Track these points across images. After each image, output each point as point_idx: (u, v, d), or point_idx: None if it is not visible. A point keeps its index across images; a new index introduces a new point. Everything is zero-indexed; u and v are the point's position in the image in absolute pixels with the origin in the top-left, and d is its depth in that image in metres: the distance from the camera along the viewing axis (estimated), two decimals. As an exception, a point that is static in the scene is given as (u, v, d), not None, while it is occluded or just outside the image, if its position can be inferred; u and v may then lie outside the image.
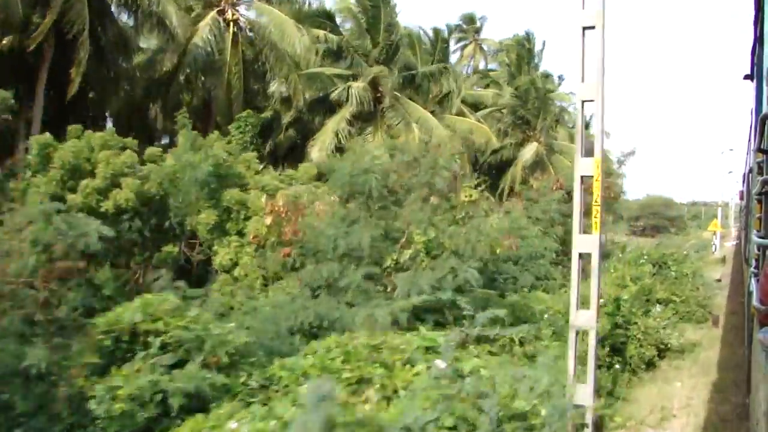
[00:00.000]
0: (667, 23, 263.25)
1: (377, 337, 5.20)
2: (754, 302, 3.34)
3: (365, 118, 26.37)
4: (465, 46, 55.83)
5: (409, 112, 26.83)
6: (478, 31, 56.41)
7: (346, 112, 25.74)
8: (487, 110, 39.53)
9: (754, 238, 4.37)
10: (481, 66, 53.82)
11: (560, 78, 50.44)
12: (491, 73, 47.63)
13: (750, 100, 8.58)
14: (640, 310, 11.92)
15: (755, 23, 6.99)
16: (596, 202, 6.87)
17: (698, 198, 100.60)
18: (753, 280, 4.94)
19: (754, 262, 5.56)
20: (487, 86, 44.57)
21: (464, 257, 8.84)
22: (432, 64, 31.33)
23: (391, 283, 9.15)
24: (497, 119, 38.64)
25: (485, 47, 55.68)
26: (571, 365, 6.70)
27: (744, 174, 15.30)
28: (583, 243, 6.96)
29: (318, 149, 24.37)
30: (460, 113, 33.95)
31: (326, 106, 26.48)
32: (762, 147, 4.70)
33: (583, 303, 7.08)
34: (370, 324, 7.68)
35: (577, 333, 6.89)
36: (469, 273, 8.61)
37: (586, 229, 7.05)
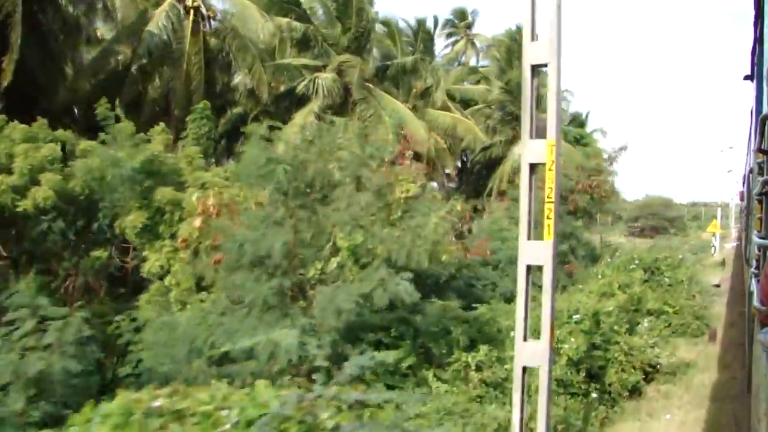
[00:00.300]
0: (667, 23, 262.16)
1: (183, 398, 3.40)
2: (755, 303, 3.28)
3: (336, 112, 24.35)
4: (456, 41, 54.03)
5: (383, 105, 25.19)
6: (469, 26, 54.56)
7: (314, 105, 24.17)
8: (477, 107, 37.90)
9: (755, 239, 4.26)
10: (473, 62, 52.13)
11: None
12: (481, 69, 45.95)
13: (750, 101, 8.54)
14: (625, 326, 10.72)
15: (755, 24, 6.89)
16: (549, 198, 5.11)
17: (698, 198, 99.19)
18: (753, 281, 4.92)
19: (754, 263, 5.50)
20: (478, 82, 43.06)
21: (398, 265, 7.19)
22: (413, 55, 29.90)
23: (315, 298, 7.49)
24: (486, 116, 37.03)
25: (477, 43, 54.03)
26: (516, 417, 4.99)
27: (744, 175, 14.88)
28: (532, 252, 5.25)
29: (284, 145, 22.40)
30: (445, 108, 32.61)
31: (293, 100, 24.90)
32: (762, 147, 4.58)
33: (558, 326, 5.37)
34: (274, 354, 6.01)
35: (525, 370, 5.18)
36: (401, 286, 6.94)
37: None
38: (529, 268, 5.27)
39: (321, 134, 9.06)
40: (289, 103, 25.19)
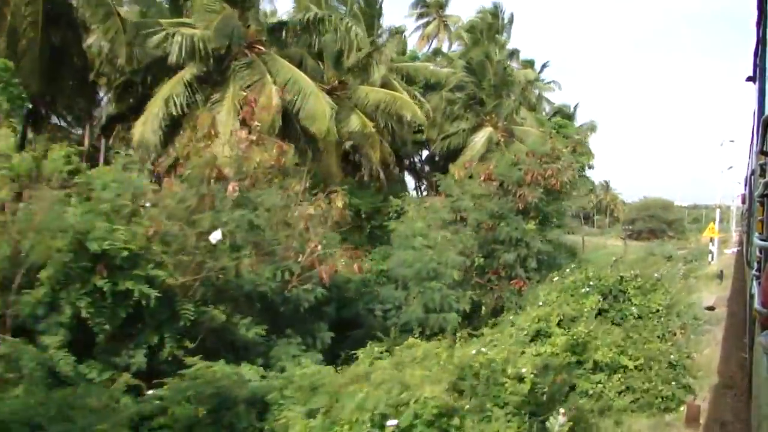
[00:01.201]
0: (668, 23, 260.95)
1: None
2: (756, 305, 3.29)
3: (215, 81, 20.63)
4: (428, 23, 49.86)
5: (274, 72, 20.86)
6: (442, 6, 50.39)
7: (187, 73, 19.76)
8: (438, 92, 33.80)
9: (756, 241, 4.13)
10: (445, 47, 47.34)
11: (544, 65, 46.51)
12: (451, 54, 41.57)
13: (753, 102, 8.35)
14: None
15: (758, 25, 6.80)
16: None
17: (700, 201, 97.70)
18: (755, 283, 4.99)
19: (756, 265, 5.49)
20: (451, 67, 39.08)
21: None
22: (348, 17, 25.33)
23: None
24: (450, 101, 33.03)
25: (451, 26, 49.12)
26: None
27: (746, 177, 14.55)
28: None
29: (142, 123, 19.01)
30: (388, 86, 28.18)
31: (162, 67, 20.17)
32: (765, 149, 4.40)
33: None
34: None
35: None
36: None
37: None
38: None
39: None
40: (158, 70, 20.68)
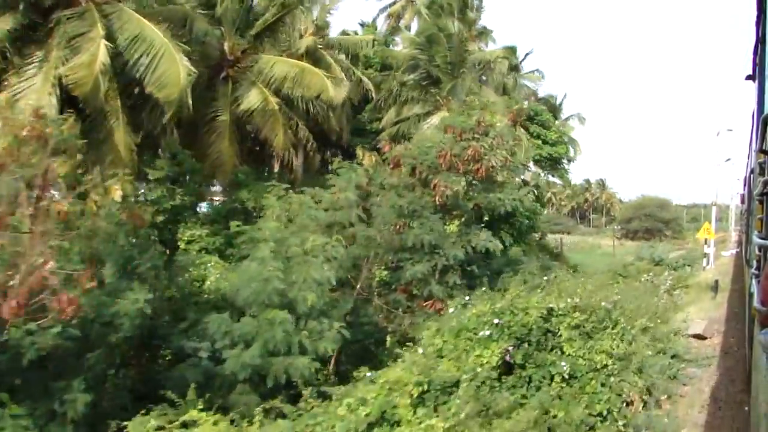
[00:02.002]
0: (668, 23, 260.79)
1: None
2: (755, 303, 3.26)
3: (36, 39, 16.83)
4: (394, 2, 44.11)
5: (117, 26, 17.22)
6: None
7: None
8: (395, 72, 29.65)
9: (756, 239, 4.24)
10: (414, 28, 40.38)
11: (527, 54, 43.56)
12: (404, 35, 36.66)
13: (752, 101, 8.34)
14: None
15: (757, 24, 6.83)
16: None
17: (699, 200, 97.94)
18: (754, 281, 4.95)
19: (755, 263, 5.48)
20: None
21: None
22: None
23: None
24: (402, 83, 29.00)
25: (421, 6, 41.29)
26: None
27: (745, 176, 14.38)
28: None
29: None
30: (320, 63, 24.78)
31: None
32: (764, 148, 4.53)
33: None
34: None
35: None
36: None
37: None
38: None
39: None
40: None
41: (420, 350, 8.83)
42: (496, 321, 8.36)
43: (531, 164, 34.58)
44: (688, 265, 30.90)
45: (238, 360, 9.85)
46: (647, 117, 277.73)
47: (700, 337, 11.53)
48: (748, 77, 8.53)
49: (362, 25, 37.07)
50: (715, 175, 53.28)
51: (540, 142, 34.63)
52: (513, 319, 8.43)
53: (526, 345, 8.20)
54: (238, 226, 12.14)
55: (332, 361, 12.35)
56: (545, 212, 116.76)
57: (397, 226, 14.61)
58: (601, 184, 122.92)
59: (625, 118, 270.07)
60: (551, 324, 8.53)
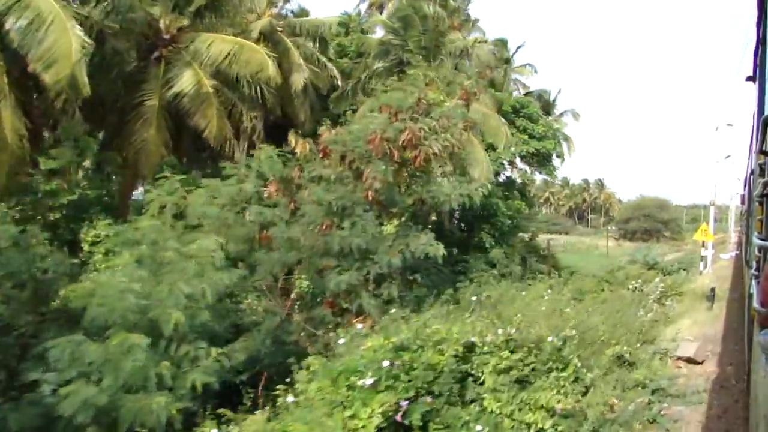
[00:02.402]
0: (668, 23, 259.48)
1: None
2: (755, 304, 3.29)
3: None
4: None
5: None
6: None
7: None
8: (366, 59, 26.96)
9: (755, 240, 4.16)
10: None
11: (519, 47, 41.53)
12: (375, 18, 33.57)
13: (752, 102, 8.22)
14: None
15: (758, 25, 6.65)
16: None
17: (699, 201, 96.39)
18: (753, 282, 4.86)
19: (754, 264, 5.32)
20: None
21: None
22: None
23: None
24: (373, 72, 26.31)
25: None
26: None
27: (746, 177, 14.12)
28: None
29: None
30: (271, 40, 22.63)
31: None
32: (764, 149, 4.43)
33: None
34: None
35: None
36: None
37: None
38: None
39: None
40: None
41: (290, 398, 6.45)
42: (386, 363, 5.77)
43: (518, 159, 32.08)
44: (684, 269, 28.16)
45: (76, 398, 7.28)
46: (648, 117, 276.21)
47: (691, 360, 9.74)
48: (749, 78, 8.58)
49: (344, 15, 34.24)
50: (713, 173, 51.09)
51: (526, 136, 31.83)
52: (417, 358, 5.96)
53: (430, 397, 5.72)
54: (109, 225, 9.91)
55: (260, 387, 9.77)
56: (543, 212, 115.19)
57: (324, 227, 11.94)
58: (600, 184, 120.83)
59: (626, 118, 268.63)
60: (472, 365, 6.23)
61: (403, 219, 12.78)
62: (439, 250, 11.98)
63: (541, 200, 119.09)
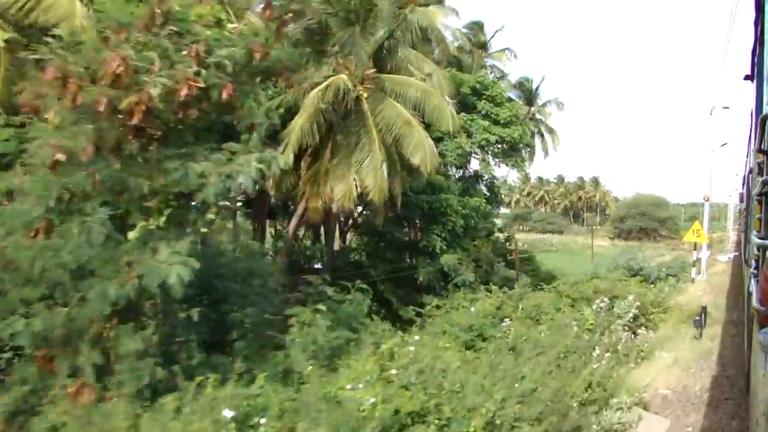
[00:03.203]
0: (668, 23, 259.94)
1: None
2: (754, 303, 3.32)
3: None
4: None
5: None
6: None
7: None
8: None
9: (754, 239, 4.22)
10: None
11: (496, 31, 38.94)
12: None
13: (750, 101, 8.36)
14: None
15: (755, 24, 6.71)
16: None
17: (697, 199, 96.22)
18: (753, 281, 4.96)
19: (753, 263, 5.47)
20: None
21: None
22: None
23: None
24: (294, 44, 18.90)
25: None
26: None
27: (744, 176, 14.22)
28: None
29: None
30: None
31: None
32: (762, 148, 4.59)
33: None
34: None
35: None
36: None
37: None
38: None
39: None
40: None
41: None
42: None
43: (478, 150, 28.61)
44: (674, 275, 24.16)
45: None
46: (648, 117, 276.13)
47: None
48: (747, 77, 8.66)
49: None
50: (708, 163, 46.96)
51: (488, 123, 27.93)
52: None
53: None
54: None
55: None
56: (541, 210, 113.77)
57: (36, 234, 6.50)
58: (595, 182, 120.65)
59: (623, 116, 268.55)
60: None
61: (162, 218, 7.21)
62: (183, 275, 5.93)
63: (536, 199, 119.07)
